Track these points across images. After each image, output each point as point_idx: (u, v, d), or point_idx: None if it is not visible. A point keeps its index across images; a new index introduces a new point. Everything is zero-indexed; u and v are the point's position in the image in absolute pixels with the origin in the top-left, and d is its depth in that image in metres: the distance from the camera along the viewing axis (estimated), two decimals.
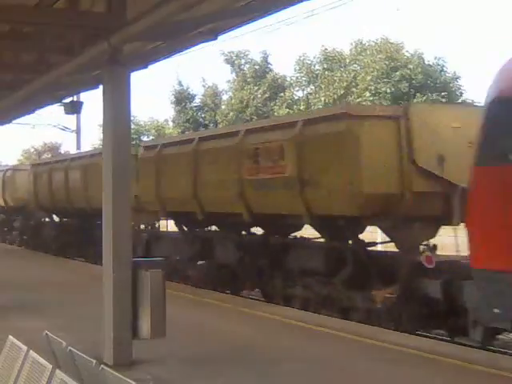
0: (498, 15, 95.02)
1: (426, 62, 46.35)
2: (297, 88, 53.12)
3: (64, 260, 29.00)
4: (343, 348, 12.08)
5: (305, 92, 52.19)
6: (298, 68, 52.22)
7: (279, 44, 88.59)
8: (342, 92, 46.82)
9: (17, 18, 11.26)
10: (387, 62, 45.57)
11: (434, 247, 14.72)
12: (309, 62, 51.61)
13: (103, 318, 10.97)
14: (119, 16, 10.66)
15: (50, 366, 6.62)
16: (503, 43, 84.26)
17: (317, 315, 15.19)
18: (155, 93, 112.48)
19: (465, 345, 12.79)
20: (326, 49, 50.74)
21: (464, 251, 13.13)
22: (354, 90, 46.65)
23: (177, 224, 22.57)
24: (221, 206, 18.64)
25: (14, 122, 28.91)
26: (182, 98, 57.73)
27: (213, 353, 11.74)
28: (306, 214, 15.49)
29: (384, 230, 15.30)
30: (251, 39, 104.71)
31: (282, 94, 52.11)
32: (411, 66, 45.42)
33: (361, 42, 50.14)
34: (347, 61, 50.06)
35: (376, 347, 11.92)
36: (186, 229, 22.07)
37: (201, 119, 57.14)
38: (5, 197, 37.65)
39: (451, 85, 46.25)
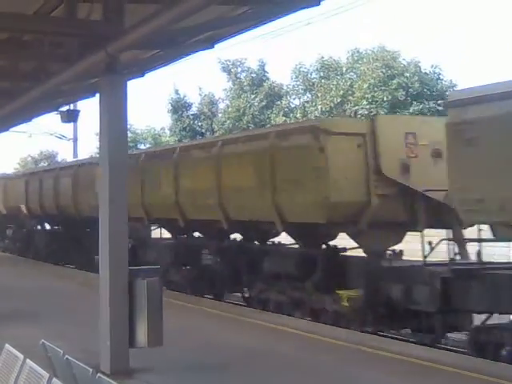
0: (494, 23, 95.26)
1: (423, 70, 46.35)
2: (293, 96, 53.09)
3: (55, 267, 29.07)
4: (347, 357, 12.09)
5: (301, 100, 52.15)
6: (294, 76, 52.20)
7: (276, 52, 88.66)
8: (338, 100, 46.78)
9: (15, 25, 11.27)
10: (384, 70, 45.56)
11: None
12: (305, 71, 51.59)
13: (100, 326, 10.95)
14: (116, 24, 10.67)
15: (47, 375, 6.61)
16: (500, 51, 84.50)
17: (311, 323, 15.27)
18: (152, 101, 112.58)
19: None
20: (323, 57, 50.74)
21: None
22: (350, 98, 46.62)
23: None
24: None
25: (11, 130, 28.92)
26: (178, 107, 57.64)
27: (210, 361, 11.72)
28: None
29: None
30: (248, 48, 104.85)
31: (278, 103, 52.07)
32: (408, 74, 45.40)
33: (357, 51, 50.13)
34: (344, 69, 50.03)
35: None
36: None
37: (198, 127, 57.05)
38: None
39: (448, 93, 46.26)
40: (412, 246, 15.20)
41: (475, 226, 13.34)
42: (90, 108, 17.15)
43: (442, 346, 14.39)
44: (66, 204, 28.89)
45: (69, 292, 20.67)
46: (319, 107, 47.41)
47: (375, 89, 45.23)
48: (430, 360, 11.34)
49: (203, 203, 18.83)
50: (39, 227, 35.18)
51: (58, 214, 30.32)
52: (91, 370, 6.74)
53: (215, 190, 18.04)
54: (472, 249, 13.89)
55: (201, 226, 20.79)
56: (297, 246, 17.78)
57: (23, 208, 34.06)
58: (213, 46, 13.63)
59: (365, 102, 44.97)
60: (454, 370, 10.78)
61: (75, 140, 45.37)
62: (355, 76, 48.83)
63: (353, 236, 15.70)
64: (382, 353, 12.04)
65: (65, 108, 23.31)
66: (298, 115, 48.95)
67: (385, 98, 44.49)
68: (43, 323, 14.66)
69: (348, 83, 47.63)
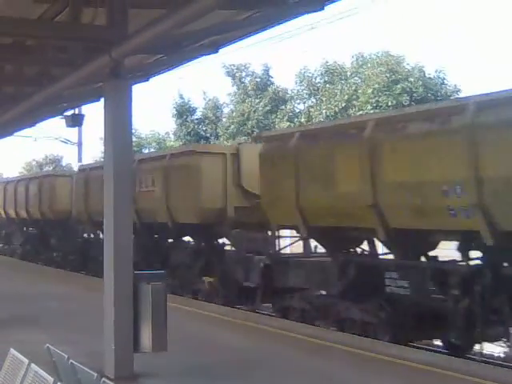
0: (499, 27, 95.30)
1: (427, 75, 46.41)
2: (298, 101, 53.14)
3: None
4: None
5: (306, 105, 52.18)
6: (299, 81, 52.27)
7: (280, 57, 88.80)
8: (343, 105, 46.83)
9: (19, 31, 11.30)
10: (388, 75, 45.60)
11: None
12: (310, 75, 51.65)
13: (104, 330, 10.95)
14: (120, 29, 10.70)
15: (52, 380, 6.60)
16: (505, 55, 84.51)
17: (312, 327, 15.07)
18: (156, 106, 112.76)
19: None
20: (327, 62, 50.83)
21: None
22: (355, 102, 46.67)
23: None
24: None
25: (15, 134, 28.92)
26: (183, 111, 57.73)
27: (214, 365, 11.70)
28: None
29: None
30: (252, 52, 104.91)
31: (283, 107, 52.12)
32: (412, 79, 45.46)
33: (362, 55, 50.22)
34: (348, 74, 50.10)
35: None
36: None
37: (202, 132, 57.14)
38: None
39: (452, 98, 46.30)
40: None
41: None
42: (94, 112, 17.08)
43: None
44: (153, 207, 21.83)
45: None
46: (324, 112, 47.48)
47: (379, 93, 45.28)
48: None
49: (438, 204, 12.36)
50: (92, 235, 28.76)
51: (136, 220, 20.56)
52: (95, 374, 6.74)
53: (469, 184, 11.68)
54: None
55: (414, 239, 13.62)
56: None
57: (81, 213, 27.70)
58: (217, 51, 13.65)
59: (369, 107, 45.01)
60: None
61: (80, 144, 45.43)
62: (359, 81, 48.90)
63: None
64: None
65: (69, 112, 23.28)
66: (303, 120, 49.01)
67: (389, 103, 44.51)
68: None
69: (352, 88, 47.70)
